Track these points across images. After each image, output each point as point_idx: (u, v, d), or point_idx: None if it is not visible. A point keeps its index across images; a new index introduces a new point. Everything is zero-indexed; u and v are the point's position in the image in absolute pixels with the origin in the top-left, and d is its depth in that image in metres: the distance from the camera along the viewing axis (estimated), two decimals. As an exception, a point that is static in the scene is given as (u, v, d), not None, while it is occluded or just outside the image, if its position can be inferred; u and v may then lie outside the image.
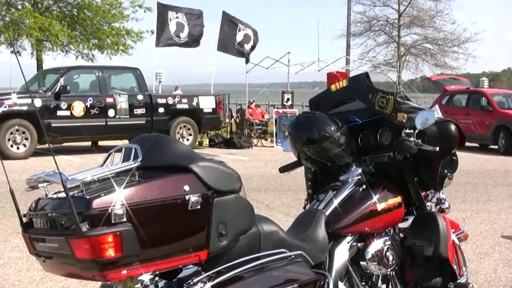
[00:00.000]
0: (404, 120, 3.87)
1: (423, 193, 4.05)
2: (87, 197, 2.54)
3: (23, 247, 6.85)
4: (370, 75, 4.21)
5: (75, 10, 29.49)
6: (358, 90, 4.12)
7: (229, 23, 24.52)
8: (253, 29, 25.06)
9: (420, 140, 3.80)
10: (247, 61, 25.40)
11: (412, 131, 3.80)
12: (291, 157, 4.16)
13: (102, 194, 2.55)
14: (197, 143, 20.95)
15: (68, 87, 17.45)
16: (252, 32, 24.94)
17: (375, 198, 3.81)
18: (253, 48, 25.05)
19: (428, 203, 4.13)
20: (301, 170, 4.32)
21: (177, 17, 23.17)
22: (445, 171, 3.98)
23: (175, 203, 2.66)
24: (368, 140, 4.09)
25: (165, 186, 2.67)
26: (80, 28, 29.31)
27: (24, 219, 2.85)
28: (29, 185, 2.82)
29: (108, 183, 2.62)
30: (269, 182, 13.12)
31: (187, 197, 2.69)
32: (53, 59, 30.11)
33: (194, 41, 23.81)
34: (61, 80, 17.67)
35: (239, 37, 24.69)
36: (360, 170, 3.91)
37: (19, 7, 28.46)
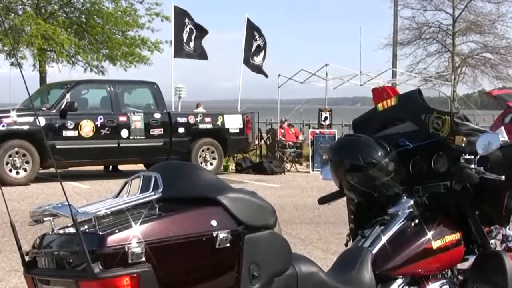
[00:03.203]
0: (463, 144, 3.84)
1: (486, 229, 4.00)
2: (100, 233, 2.55)
3: (23, 288, 6.89)
4: (422, 90, 4.19)
5: (83, 16, 29.63)
6: (409, 110, 4.10)
7: (251, 31, 24.71)
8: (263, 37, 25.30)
9: (482, 168, 3.77)
10: (266, 76, 25.51)
11: (472, 157, 3.78)
12: (330, 185, 4.15)
13: (117, 230, 2.55)
14: (222, 168, 20.99)
15: (76, 104, 17.57)
16: (263, 42, 25.14)
17: (429, 234, 3.77)
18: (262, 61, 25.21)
19: (492, 241, 4.08)
20: (342, 201, 4.30)
21: (189, 24, 23.38)
22: (512, 203, 3.95)
23: (200, 241, 2.66)
24: (421, 167, 4.05)
25: (189, 221, 2.67)
26: (89, 37, 29.47)
27: (27, 258, 2.85)
28: (33, 219, 2.83)
29: (124, 217, 2.63)
30: (304, 213, 13.08)
31: (214, 234, 2.69)
32: (58, 71, 30.17)
33: (202, 52, 24.01)
34: (68, 95, 17.83)
35: (254, 48, 24.87)
36: (411, 202, 3.88)
37: (20, 12, 28.64)
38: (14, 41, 26.81)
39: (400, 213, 3.84)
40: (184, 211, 2.71)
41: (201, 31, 23.97)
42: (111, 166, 20.76)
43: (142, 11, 29.57)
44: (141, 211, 2.66)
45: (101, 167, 20.63)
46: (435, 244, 3.77)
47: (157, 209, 2.73)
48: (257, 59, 25.10)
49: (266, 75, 25.51)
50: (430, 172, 4.00)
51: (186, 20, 23.37)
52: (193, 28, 23.52)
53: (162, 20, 29.10)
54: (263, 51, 25.13)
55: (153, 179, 2.78)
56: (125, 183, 2.89)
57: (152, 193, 2.74)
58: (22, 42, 27.16)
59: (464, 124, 3.97)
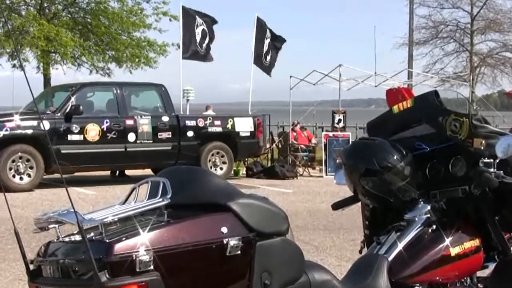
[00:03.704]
0: (482, 147, 3.84)
1: (506, 235, 3.99)
2: (107, 240, 2.55)
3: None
4: (438, 91, 4.18)
5: (88, 16, 29.71)
6: (425, 112, 4.09)
7: (261, 29, 24.74)
8: (277, 36, 25.28)
9: (502, 172, 3.76)
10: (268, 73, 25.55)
11: (492, 160, 3.77)
12: (344, 190, 4.14)
13: (125, 238, 2.56)
14: (232, 172, 21.01)
15: (81, 107, 17.60)
16: (274, 40, 25.15)
17: (447, 241, 3.77)
18: (272, 61, 25.21)
19: (513, 247, 4.07)
20: (357, 206, 4.30)
21: (202, 24, 23.41)
22: (534, 208, 3.93)
23: (210, 248, 2.67)
24: (438, 171, 4.04)
25: (199, 228, 2.68)
26: (95, 38, 29.54)
27: (31, 266, 2.86)
28: (38, 226, 2.84)
29: (132, 224, 2.63)
30: (318, 219, 13.07)
31: (225, 241, 2.69)
32: (63, 73, 30.23)
33: (208, 53, 24.04)
34: (73, 98, 17.85)
35: (265, 47, 24.89)
36: (428, 207, 3.88)
37: (23, 12, 28.71)
38: (17, 43, 26.82)
39: (416, 218, 3.84)
40: (193, 217, 2.72)
41: (212, 34, 23.99)
42: (117, 171, 20.78)
43: (149, 10, 29.66)
44: (149, 218, 2.67)
45: (107, 172, 20.67)
46: (454, 251, 3.76)
47: (165, 216, 2.74)
48: (267, 58, 25.12)
49: (269, 73, 25.54)
50: (447, 176, 3.99)
51: (199, 20, 23.37)
52: (206, 29, 23.52)
53: (170, 20, 29.16)
54: (271, 51, 25.12)
55: (161, 184, 2.79)
56: (133, 189, 2.90)
57: (161, 199, 2.75)
58: (25, 44, 27.20)
59: (483, 126, 3.95)
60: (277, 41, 25.69)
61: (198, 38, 23.27)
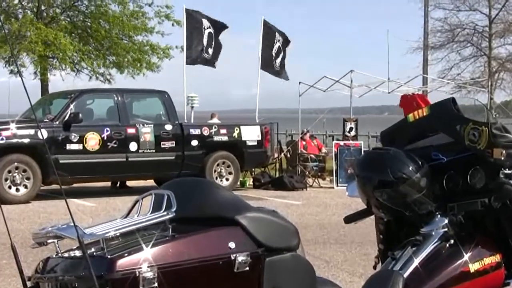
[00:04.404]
0: (503, 158, 3.83)
1: (528, 250, 3.99)
2: (109, 256, 2.56)
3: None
4: (456, 99, 4.17)
5: (88, 20, 29.73)
6: (442, 120, 4.08)
7: (269, 32, 24.76)
8: (285, 37, 25.34)
9: (524, 183, 3.75)
10: (286, 78, 25.57)
11: (512, 171, 3.76)
12: (356, 202, 4.14)
13: (127, 254, 2.56)
14: (238, 183, 21.00)
15: (80, 115, 17.59)
16: (284, 41, 25.21)
17: (466, 256, 3.76)
18: (282, 63, 25.24)
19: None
20: (370, 219, 4.29)
21: (209, 27, 23.44)
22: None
23: (217, 264, 2.67)
24: (456, 182, 4.03)
25: (205, 243, 2.68)
26: (94, 42, 29.56)
27: (29, 283, 2.86)
28: (36, 241, 2.84)
29: (135, 239, 2.64)
30: (328, 232, 13.06)
31: (232, 257, 2.69)
32: (61, 79, 30.23)
33: (215, 58, 24.07)
34: (72, 106, 17.86)
35: (275, 50, 24.91)
36: (446, 221, 3.87)
37: (20, 16, 28.72)
38: (14, 48, 26.82)
39: (433, 233, 3.83)
40: (199, 232, 2.72)
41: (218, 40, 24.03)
42: (119, 182, 20.75)
43: (151, 14, 29.65)
44: (153, 233, 2.68)
45: (108, 183, 20.65)
46: (473, 267, 3.75)
47: (170, 230, 2.74)
48: (278, 62, 25.15)
49: (286, 78, 25.57)
50: (466, 188, 3.98)
51: (206, 23, 23.39)
52: (213, 33, 23.55)
53: (172, 25, 29.15)
54: (282, 52, 25.17)
55: (165, 197, 2.80)
56: (136, 202, 2.90)
57: (165, 213, 2.75)
58: (21, 49, 27.18)
59: (503, 136, 3.94)
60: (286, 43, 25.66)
61: (204, 41, 23.29)
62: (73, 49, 27.75)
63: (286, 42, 25.54)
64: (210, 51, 23.59)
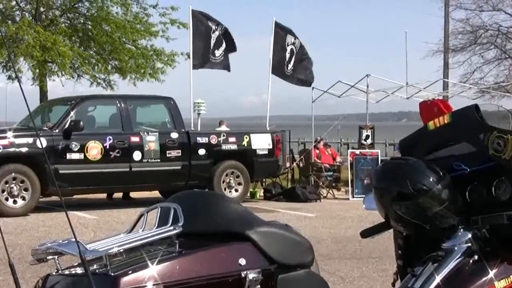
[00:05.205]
0: (529, 168, 3.82)
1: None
2: (112, 274, 2.56)
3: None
4: (479, 105, 4.16)
5: (89, 23, 29.69)
6: (465, 128, 4.07)
7: (280, 33, 24.78)
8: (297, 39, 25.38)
9: (552, 196, 3.74)
10: (298, 83, 25.63)
11: (540, 183, 3.75)
12: (373, 214, 4.13)
13: (131, 271, 2.56)
14: (248, 194, 20.98)
15: (81, 123, 17.61)
16: (298, 44, 25.23)
17: (491, 273, 3.74)
18: (294, 67, 25.26)
19: None
20: (388, 233, 4.28)
21: (216, 29, 23.47)
22: None
23: (227, 282, 2.67)
24: (480, 194, 4.01)
25: (214, 260, 2.68)
26: (96, 47, 29.56)
27: (28, 303, 2.86)
28: (35, 257, 2.85)
29: (139, 256, 2.64)
30: (344, 247, 13.05)
31: (243, 274, 2.69)
32: (60, 85, 30.21)
33: (225, 61, 24.07)
34: (72, 113, 17.89)
35: (287, 54, 24.92)
36: (469, 235, 3.85)
37: (17, 19, 28.73)
38: (11, 52, 26.78)
39: (456, 248, 3.82)
40: (208, 248, 2.72)
41: (230, 43, 24.04)
42: (122, 194, 20.77)
43: (156, 17, 29.60)
44: (159, 248, 2.68)
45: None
46: (499, 285, 3.73)
47: (177, 246, 2.74)
48: (290, 66, 25.16)
49: (310, 84, 25.66)
50: (490, 200, 3.96)
51: (214, 26, 23.43)
52: (221, 36, 23.58)
53: (178, 27, 29.07)
54: (294, 56, 25.19)
55: (172, 211, 2.80)
56: (140, 216, 2.90)
57: (172, 228, 2.75)
58: (19, 53, 27.16)
59: (530, 145, 3.94)
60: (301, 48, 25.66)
61: (212, 43, 23.31)
62: (73, 54, 27.68)
63: (301, 46, 25.53)
64: (218, 54, 23.60)
